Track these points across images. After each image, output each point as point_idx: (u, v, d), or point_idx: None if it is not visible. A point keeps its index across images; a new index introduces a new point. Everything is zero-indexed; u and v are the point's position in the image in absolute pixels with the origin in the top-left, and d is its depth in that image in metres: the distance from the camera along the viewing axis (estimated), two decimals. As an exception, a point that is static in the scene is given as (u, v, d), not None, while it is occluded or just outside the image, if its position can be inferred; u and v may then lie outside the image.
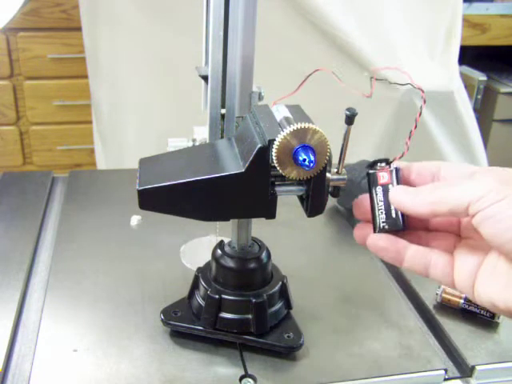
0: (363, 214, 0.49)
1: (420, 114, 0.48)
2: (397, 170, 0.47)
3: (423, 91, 0.47)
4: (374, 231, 0.47)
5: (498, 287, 0.41)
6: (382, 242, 0.46)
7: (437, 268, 0.45)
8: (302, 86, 0.52)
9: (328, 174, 0.48)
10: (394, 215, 0.47)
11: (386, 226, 0.46)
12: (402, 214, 0.47)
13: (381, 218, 0.46)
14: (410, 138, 0.49)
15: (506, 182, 0.41)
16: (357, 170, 0.79)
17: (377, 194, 0.47)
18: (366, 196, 0.48)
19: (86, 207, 0.80)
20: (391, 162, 0.48)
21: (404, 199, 0.44)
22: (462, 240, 0.47)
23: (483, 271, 0.43)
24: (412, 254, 0.45)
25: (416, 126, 0.47)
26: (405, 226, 0.46)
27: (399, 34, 1.29)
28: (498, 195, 0.40)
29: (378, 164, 0.48)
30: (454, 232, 0.48)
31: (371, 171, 0.48)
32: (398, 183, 0.47)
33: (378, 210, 0.47)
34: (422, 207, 0.43)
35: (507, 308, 0.40)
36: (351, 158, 0.76)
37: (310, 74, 0.51)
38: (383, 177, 0.48)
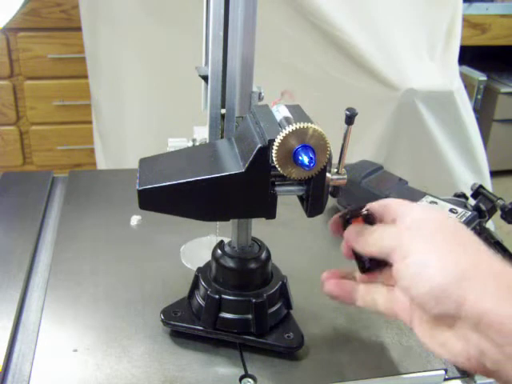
0: (337, 232, 0.51)
1: None
2: (368, 213, 0.50)
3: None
4: (362, 272, 0.50)
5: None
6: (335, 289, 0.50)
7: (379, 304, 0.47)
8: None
9: (328, 174, 0.48)
10: None
11: (371, 267, 0.49)
12: None
13: (365, 259, 0.49)
14: None
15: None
16: (357, 170, 0.79)
17: None
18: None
19: (86, 207, 0.80)
20: (363, 208, 0.51)
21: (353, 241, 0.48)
22: None
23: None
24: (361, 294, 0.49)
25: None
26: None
27: (399, 34, 1.29)
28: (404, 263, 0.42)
29: (352, 211, 0.51)
30: None
31: (345, 218, 0.51)
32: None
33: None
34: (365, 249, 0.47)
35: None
36: (351, 158, 0.76)
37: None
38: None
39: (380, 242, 0.45)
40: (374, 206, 0.51)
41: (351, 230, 0.49)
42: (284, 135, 0.44)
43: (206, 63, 0.56)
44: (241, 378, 0.51)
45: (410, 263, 0.41)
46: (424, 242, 0.42)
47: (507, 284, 0.39)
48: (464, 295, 0.39)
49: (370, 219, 0.50)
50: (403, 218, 0.45)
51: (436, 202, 0.74)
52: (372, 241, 0.46)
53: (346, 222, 0.51)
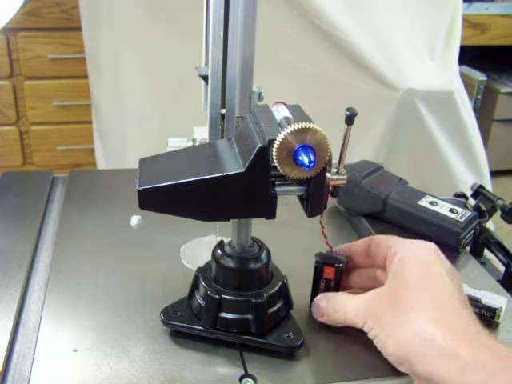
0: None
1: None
2: (341, 268, 0.57)
3: None
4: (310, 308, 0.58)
5: None
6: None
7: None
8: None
9: (328, 174, 0.48)
10: None
11: None
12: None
13: None
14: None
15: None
16: (357, 170, 0.79)
17: (320, 287, 0.58)
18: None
19: (86, 207, 0.80)
20: (339, 262, 0.57)
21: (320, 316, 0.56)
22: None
23: None
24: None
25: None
26: None
27: (399, 33, 1.29)
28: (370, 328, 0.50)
29: (328, 257, 0.58)
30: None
31: (320, 262, 0.57)
32: (338, 279, 0.58)
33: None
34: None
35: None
36: (351, 158, 0.76)
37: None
38: (328, 273, 0.57)
39: (345, 321, 0.53)
40: (356, 246, 0.58)
41: (318, 302, 0.56)
42: (284, 135, 0.44)
43: (206, 63, 0.56)
44: (241, 378, 0.52)
45: (372, 336, 0.50)
46: (380, 318, 0.49)
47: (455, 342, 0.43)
48: (412, 360, 0.45)
49: (340, 274, 0.57)
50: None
51: (436, 202, 0.74)
52: (337, 320, 0.54)
53: (318, 268, 0.57)
